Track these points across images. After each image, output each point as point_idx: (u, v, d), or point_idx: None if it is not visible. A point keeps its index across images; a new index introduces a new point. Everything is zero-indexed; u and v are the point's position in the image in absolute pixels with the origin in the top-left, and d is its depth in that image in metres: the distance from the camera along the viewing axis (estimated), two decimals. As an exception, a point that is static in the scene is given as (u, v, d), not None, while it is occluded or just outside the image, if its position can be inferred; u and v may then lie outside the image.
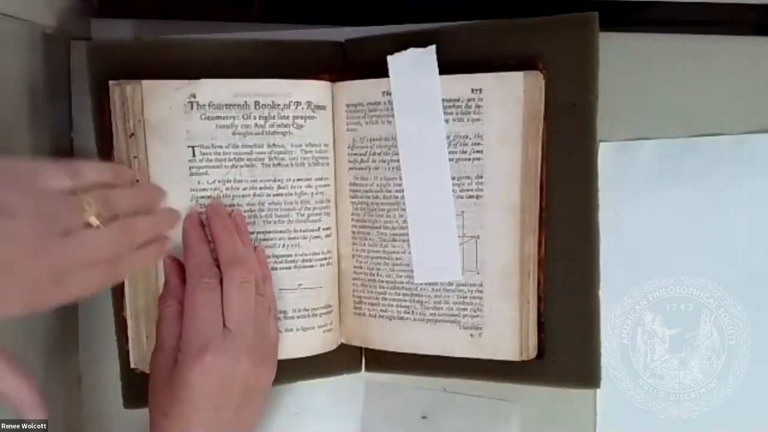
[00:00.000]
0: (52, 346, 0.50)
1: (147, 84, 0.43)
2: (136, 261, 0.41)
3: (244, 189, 0.46)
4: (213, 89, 0.44)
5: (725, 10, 0.50)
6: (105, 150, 0.45)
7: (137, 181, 0.44)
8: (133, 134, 0.44)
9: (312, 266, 0.48)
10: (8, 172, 0.35)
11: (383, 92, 0.46)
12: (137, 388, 0.46)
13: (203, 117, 0.44)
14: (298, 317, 0.47)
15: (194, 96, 0.44)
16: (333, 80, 0.48)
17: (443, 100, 0.45)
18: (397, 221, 0.47)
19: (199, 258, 0.43)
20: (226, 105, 0.45)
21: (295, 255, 0.47)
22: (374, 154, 0.47)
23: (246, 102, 0.45)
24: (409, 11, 0.49)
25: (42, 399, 0.35)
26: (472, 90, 0.44)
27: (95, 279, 0.38)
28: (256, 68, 0.46)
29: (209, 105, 0.44)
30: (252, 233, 0.46)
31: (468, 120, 0.45)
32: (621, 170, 0.50)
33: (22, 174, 0.35)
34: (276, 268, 0.47)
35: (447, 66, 0.45)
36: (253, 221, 0.46)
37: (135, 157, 0.44)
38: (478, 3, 0.48)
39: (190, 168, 0.45)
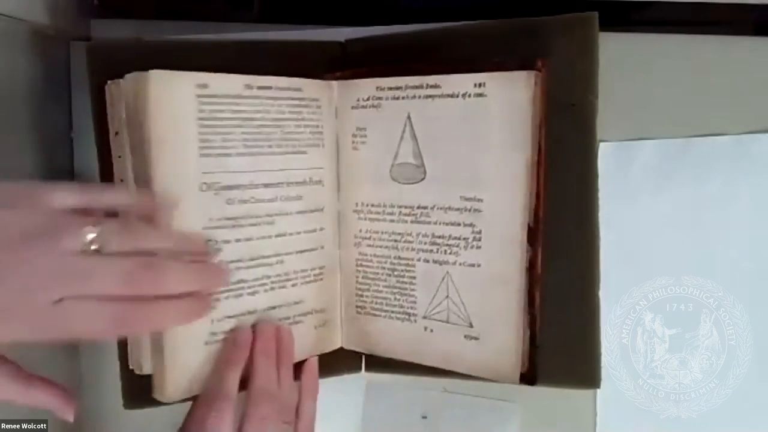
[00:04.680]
0: (52, 346, 0.50)
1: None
2: (167, 314, 0.34)
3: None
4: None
5: (725, 10, 0.50)
6: (104, 151, 0.45)
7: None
8: (117, 133, 0.43)
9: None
10: (8, 191, 0.32)
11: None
12: (137, 389, 0.46)
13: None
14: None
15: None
16: (333, 80, 0.48)
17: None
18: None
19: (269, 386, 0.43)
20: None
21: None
22: (376, 155, 0.47)
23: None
24: (409, 11, 0.49)
25: (69, 397, 0.35)
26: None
27: (101, 318, 0.32)
28: (257, 68, 0.46)
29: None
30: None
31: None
32: (621, 170, 0.50)
33: (22, 191, 0.33)
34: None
35: (447, 66, 0.45)
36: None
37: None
38: (478, 3, 0.48)
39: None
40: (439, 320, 0.47)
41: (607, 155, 0.49)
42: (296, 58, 0.47)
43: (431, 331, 0.47)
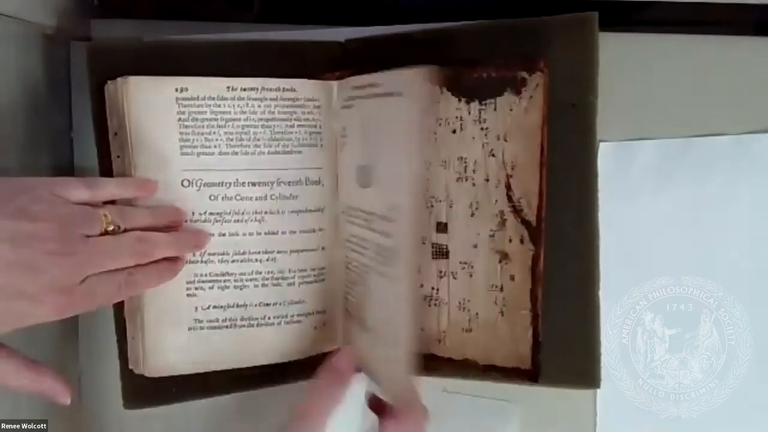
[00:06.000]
0: (52, 346, 0.50)
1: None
2: (151, 275, 0.41)
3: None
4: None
5: (725, 10, 0.50)
6: (104, 150, 0.45)
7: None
8: (116, 133, 0.44)
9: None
10: (26, 184, 0.37)
11: None
12: (137, 388, 0.46)
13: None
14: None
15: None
16: (333, 80, 0.48)
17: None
18: None
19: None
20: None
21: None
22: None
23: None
24: (409, 11, 0.49)
25: (66, 382, 0.38)
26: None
27: (115, 286, 0.39)
28: (257, 68, 0.46)
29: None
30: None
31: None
32: (621, 170, 0.50)
33: (40, 185, 0.37)
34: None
35: (447, 66, 0.45)
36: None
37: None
38: (478, 3, 0.48)
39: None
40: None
41: (607, 155, 0.49)
42: (296, 58, 0.47)
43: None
